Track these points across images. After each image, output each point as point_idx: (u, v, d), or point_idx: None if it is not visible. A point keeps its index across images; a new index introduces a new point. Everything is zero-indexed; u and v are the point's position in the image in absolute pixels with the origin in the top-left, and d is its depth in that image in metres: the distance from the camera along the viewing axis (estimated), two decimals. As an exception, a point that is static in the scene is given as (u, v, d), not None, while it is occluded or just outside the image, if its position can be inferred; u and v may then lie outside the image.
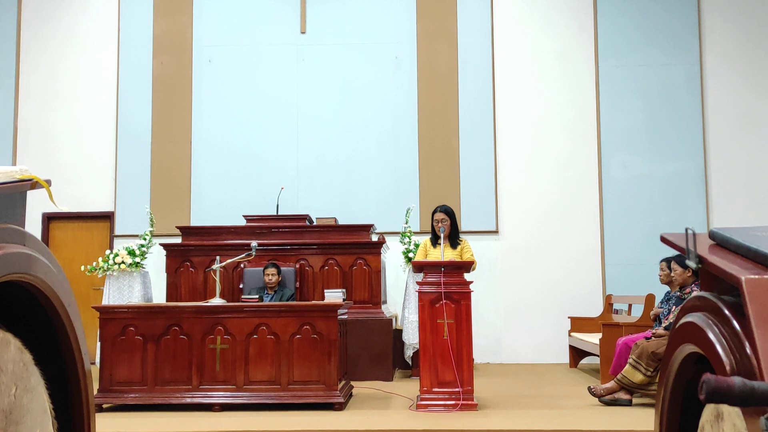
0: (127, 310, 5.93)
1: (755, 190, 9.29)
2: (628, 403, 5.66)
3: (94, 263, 8.06)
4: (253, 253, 6.62)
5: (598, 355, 7.02)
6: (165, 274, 7.84)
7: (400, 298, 8.28)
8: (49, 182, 1.82)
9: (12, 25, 9.99)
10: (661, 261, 6.37)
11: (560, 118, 9.55)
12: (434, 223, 6.11)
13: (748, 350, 1.40)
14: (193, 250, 7.79)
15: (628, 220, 9.32)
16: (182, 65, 9.86)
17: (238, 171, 9.65)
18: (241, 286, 7.52)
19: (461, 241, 6.14)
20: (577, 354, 8.53)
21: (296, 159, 9.64)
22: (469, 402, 5.44)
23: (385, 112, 9.64)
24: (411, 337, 7.53)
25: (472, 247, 6.27)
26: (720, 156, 9.37)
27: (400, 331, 7.81)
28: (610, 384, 5.76)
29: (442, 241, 6.03)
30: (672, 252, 5.94)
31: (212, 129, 9.75)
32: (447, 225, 6.08)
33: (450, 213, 6.13)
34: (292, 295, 7.06)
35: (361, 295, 7.67)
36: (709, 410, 1.66)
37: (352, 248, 7.75)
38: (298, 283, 7.53)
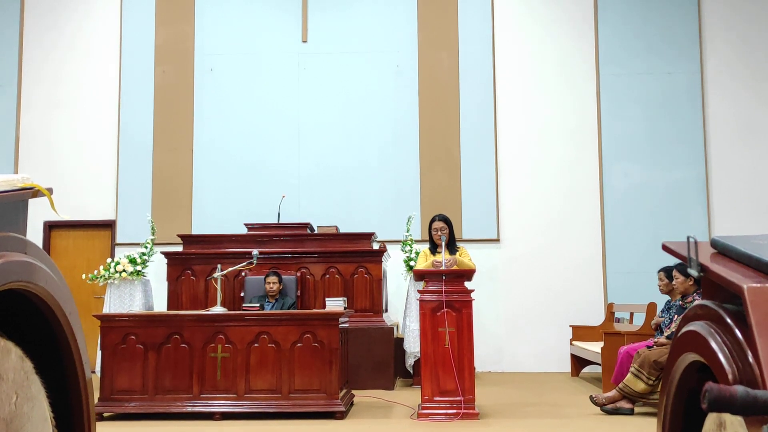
0: (128, 318, 5.93)
1: (757, 198, 9.29)
2: (630, 412, 5.65)
3: (96, 271, 8.06)
4: (254, 261, 6.61)
5: (599, 364, 7.00)
6: (166, 283, 7.83)
7: (402, 306, 8.27)
8: (50, 190, 1.82)
9: (14, 34, 10.02)
10: (659, 271, 6.36)
11: (561, 127, 9.56)
12: (432, 232, 6.10)
13: (751, 359, 1.39)
14: (194, 259, 7.78)
15: (629, 229, 9.31)
16: (184, 74, 9.88)
17: (240, 179, 9.65)
18: (242, 294, 7.52)
19: (459, 248, 6.14)
20: (578, 363, 8.51)
21: (297, 167, 9.65)
22: (471, 411, 5.43)
23: (386, 121, 9.65)
24: (412, 346, 7.52)
25: (472, 254, 6.27)
26: (721, 164, 9.37)
27: (401, 340, 7.79)
28: (612, 393, 5.75)
29: (442, 249, 6.02)
30: (671, 261, 5.94)
31: (213, 137, 9.77)
32: (446, 233, 6.07)
33: (448, 221, 6.12)
34: (293, 303, 7.05)
35: (363, 303, 7.66)
36: (711, 419, 1.66)
37: (354, 256, 7.74)
38: (299, 292, 7.53)
